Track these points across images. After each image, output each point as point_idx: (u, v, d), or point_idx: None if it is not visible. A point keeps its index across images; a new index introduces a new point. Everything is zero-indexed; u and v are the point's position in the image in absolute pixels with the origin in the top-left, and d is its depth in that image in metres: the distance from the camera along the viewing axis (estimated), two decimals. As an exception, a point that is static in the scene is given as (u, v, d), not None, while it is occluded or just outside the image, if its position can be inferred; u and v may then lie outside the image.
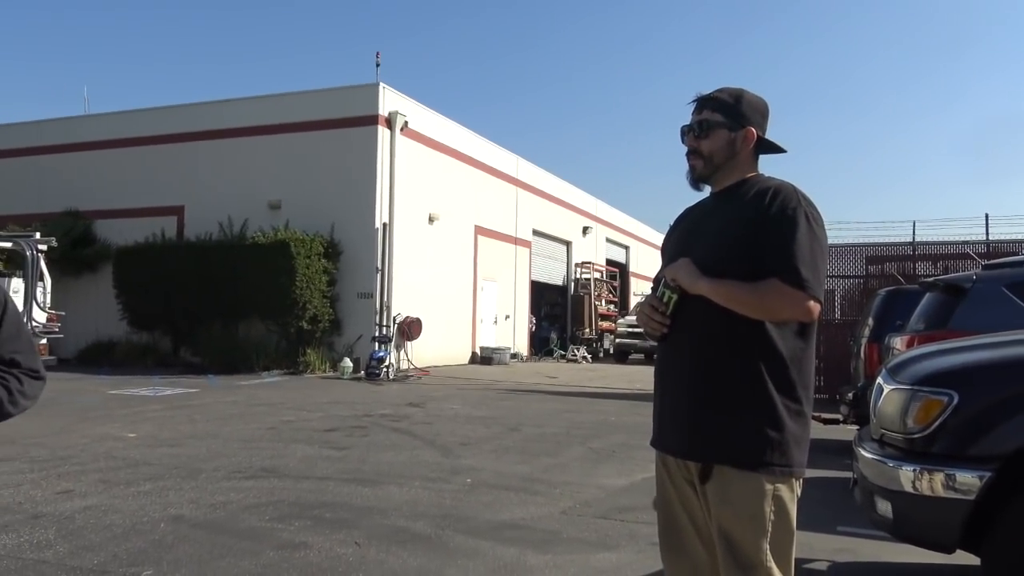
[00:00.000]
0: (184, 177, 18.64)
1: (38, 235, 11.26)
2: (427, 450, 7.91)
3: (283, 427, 9.17)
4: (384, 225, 16.99)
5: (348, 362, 15.79)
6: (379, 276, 16.86)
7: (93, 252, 18.66)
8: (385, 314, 16.78)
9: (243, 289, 16.22)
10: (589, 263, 28.75)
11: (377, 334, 16.35)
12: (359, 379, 15.29)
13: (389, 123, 17.39)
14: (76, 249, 18.34)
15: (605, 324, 28.13)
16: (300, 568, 4.26)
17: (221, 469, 6.77)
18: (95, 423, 9.26)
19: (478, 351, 20.83)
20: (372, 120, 17.22)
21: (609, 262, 32.22)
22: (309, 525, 5.08)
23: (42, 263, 10.92)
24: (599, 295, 28.57)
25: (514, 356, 22.05)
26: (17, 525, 4.98)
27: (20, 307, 10.49)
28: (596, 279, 28.84)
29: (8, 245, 10.95)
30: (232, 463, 7.04)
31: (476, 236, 21.20)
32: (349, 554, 4.52)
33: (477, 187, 21.23)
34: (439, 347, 18.60)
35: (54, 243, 11.53)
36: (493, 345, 21.10)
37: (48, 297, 11.00)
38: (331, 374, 16.00)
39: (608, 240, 32.63)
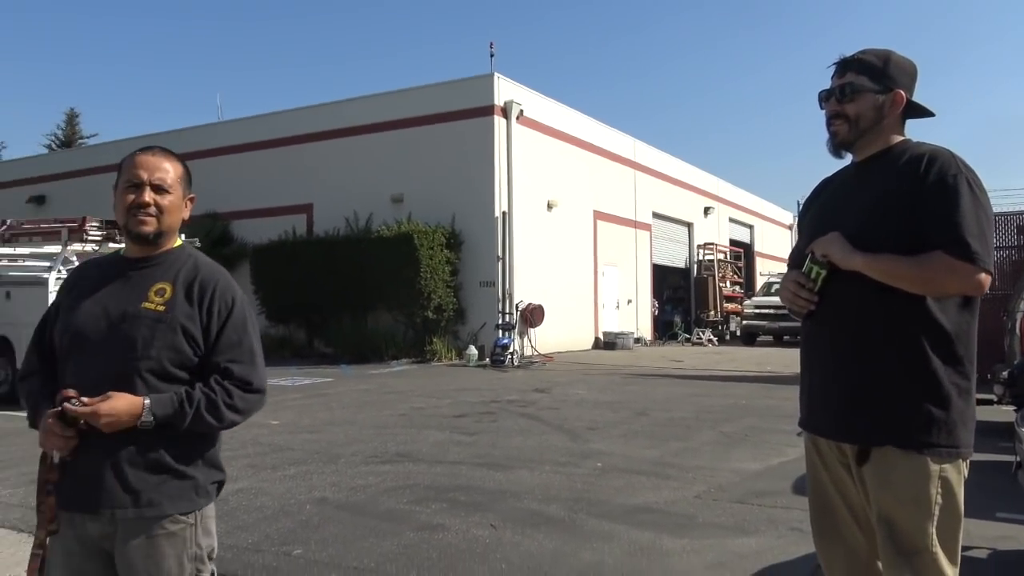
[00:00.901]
0: (311, 176, 19.41)
1: (183, 236, 11.93)
2: (555, 435, 7.94)
3: (414, 414, 9.42)
4: (503, 214, 17.14)
5: (473, 350, 16.05)
6: (500, 264, 17.03)
7: (232, 251, 19.72)
8: (508, 302, 16.95)
9: (370, 281, 16.76)
10: (712, 244, 28.07)
11: (500, 322, 16.54)
12: (484, 366, 15.52)
13: (505, 112, 17.51)
14: (216, 249, 19.38)
15: (731, 306, 27.42)
16: (439, 549, 4.36)
17: (359, 454, 7.02)
18: (241, 412, 9.78)
19: (601, 336, 20.74)
20: (488, 111, 17.38)
21: (733, 242, 31.36)
22: (445, 508, 5.19)
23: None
24: (723, 276, 27.86)
25: (637, 341, 21.83)
26: (178, 506, 5.32)
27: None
28: (720, 260, 28.13)
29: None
30: (368, 448, 7.28)
31: (595, 221, 21.07)
32: (485, 536, 4.59)
33: (594, 172, 21.08)
34: (562, 333, 18.64)
35: (198, 244, 12.20)
36: (616, 330, 20.96)
37: (195, 294, 11.67)
38: (457, 362, 16.32)
39: (731, 220, 31.74)
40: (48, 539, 2.03)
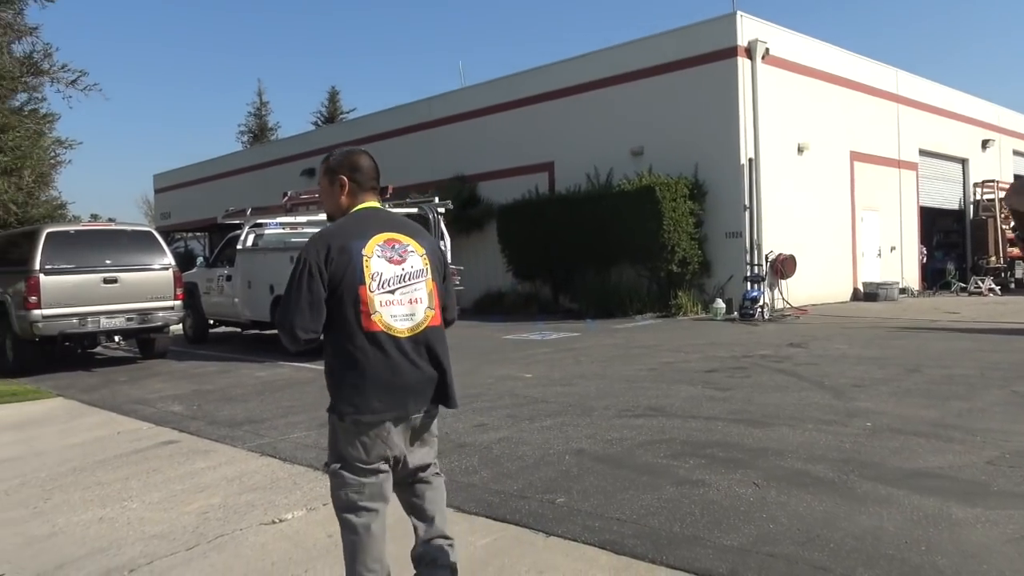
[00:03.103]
0: (551, 134, 19.69)
1: (436, 199, 12.68)
2: (816, 391, 7.50)
3: (663, 368, 9.33)
4: (750, 160, 16.34)
5: (720, 303, 15.59)
6: (747, 214, 16.30)
7: (479, 212, 20.61)
8: (756, 253, 16.22)
9: (613, 236, 16.76)
10: (992, 182, 24.89)
11: (749, 274, 15.88)
12: (732, 320, 15.03)
13: (749, 53, 16.57)
14: (465, 210, 20.39)
15: (1015, 251, 24.26)
16: (701, 505, 4.28)
17: (611, 408, 7.08)
18: (496, 365, 10.25)
19: (860, 287, 19.27)
20: (730, 52, 16.55)
21: (1018, 179, 27.60)
22: (703, 463, 5.09)
23: (442, 224, 12.29)
24: (1006, 217, 24.66)
25: (903, 291, 20.03)
26: (447, 452, 5.68)
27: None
28: (1002, 199, 24.90)
29: (414, 210, 12.45)
30: (620, 402, 7.32)
31: (852, 163, 19.47)
32: (749, 494, 4.44)
33: (850, 109, 19.43)
34: (816, 285, 17.54)
35: (450, 205, 12.91)
36: (878, 280, 19.36)
37: (449, 254, 12.34)
38: (703, 316, 15.94)
39: (1016, 153, 27.95)
40: None
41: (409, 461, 2.93)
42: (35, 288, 10.35)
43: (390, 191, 11.82)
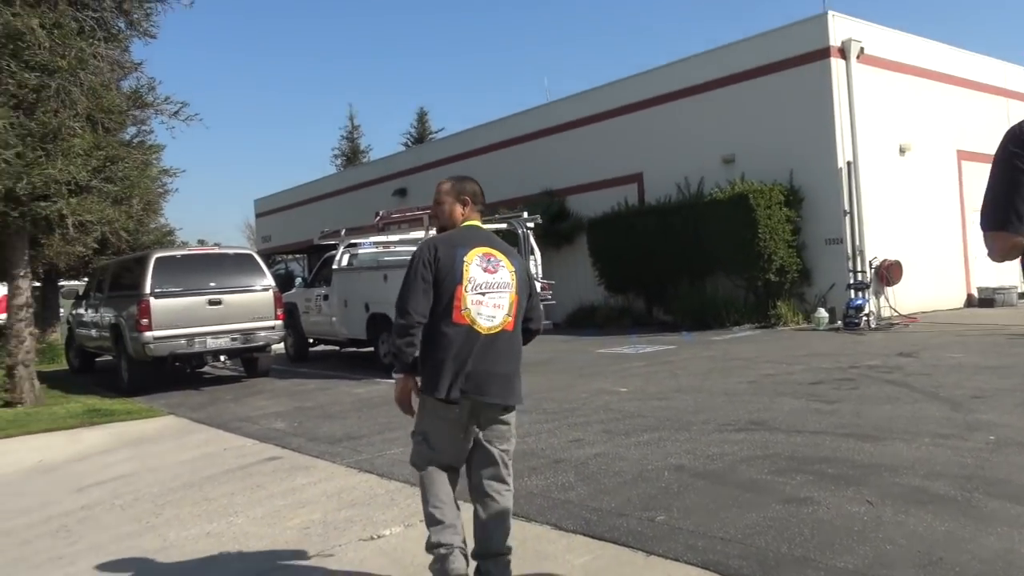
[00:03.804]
0: (640, 145, 19.46)
1: (525, 214, 12.68)
2: (931, 403, 7.09)
3: (764, 380, 9.02)
4: (848, 164, 15.73)
5: (823, 312, 15.00)
6: (847, 219, 15.68)
7: (568, 226, 20.51)
8: (859, 259, 15.57)
9: (706, 246, 16.40)
10: (1116, 176, 23.21)
11: (852, 281, 15.24)
12: (836, 330, 14.44)
13: (843, 53, 15.99)
14: (554, 225, 20.34)
15: None
16: (811, 524, 4.08)
17: (710, 422, 6.88)
18: (590, 379, 10.13)
19: (975, 292, 18.23)
20: (823, 53, 16.00)
21: None
22: (811, 480, 4.86)
23: (531, 239, 12.28)
24: None
25: (1023, 296, 18.86)
26: (543, 468, 5.62)
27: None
28: None
29: (503, 226, 12.49)
30: (720, 416, 7.10)
31: (959, 162, 18.50)
32: (862, 513, 4.20)
33: (956, 106, 18.49)
34: (925, 291, 16.69)
35: (539, 220, 12.89)
36: (994, 285, 18.26)
37: (539, 269, 12.32)
38: (804, 326, 15.39)
39: None
40: None
41: (484, 457, 3.42)
42: (146, 311, 10.85)
43: None
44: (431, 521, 3.39)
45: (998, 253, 2.33)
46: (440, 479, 3.44)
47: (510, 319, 3.45)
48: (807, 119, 16.16)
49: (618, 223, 18.58)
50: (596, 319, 18.86)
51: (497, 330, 3.39)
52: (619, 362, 11.80)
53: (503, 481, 3.45)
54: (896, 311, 15.47)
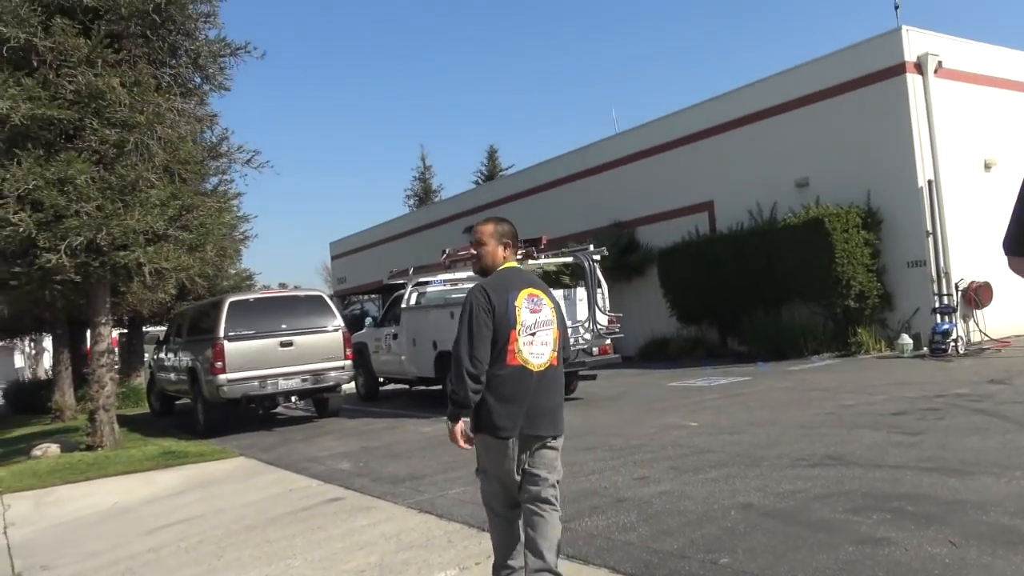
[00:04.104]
0: (710, 172, 19.14)
1: (591, 247, 12.55)
2: (1025, 434, 6.62)
3: (843, 412, 8.61)
4: (929, 182, 15.10)
5: (907, 339, 14.33)
6: (930, 240, 15.01)
7: (638, 257, 20.26)
8: (944, 281, 14.85)
9: (781, 273, 15.93)
10: None
11: (937, 305, 14.53)
12: (922, 356, 13.76)
13: (919, 68, 15.45)
14: (624, 257, 20.13)
15: None
16: (886, 567, 3.80)
17: (784, 457, 6.57)
18: (660, 413, 9.87)
19: (1073, 313, 17.19)
20: (898, 69, 15.49)
21: None
22: (889, 519, 4.55)
23: (598, 271, 12.14)
24: None
25: None
26: (605, 508, 5.44)
27: (584, 312, 11.75)
28: None
29: (569, 260, 12.39)
30: (794, 450, 6.79)
31: (1050, 176, 17.57)
32: (943, 554, 3.89)
33: (1043, 117, 17.62)
34: (1017, 313, 15.77)
35: (605, 252, 12.74)
36: (1094, 304, 17.19)
37: (607, 301, 12.14)
38: (888, 353, 14.72)
39: None
40: None
41: (535, 483, 3.54)
42: (220, 354, 11.12)
43: (544, 242, 11.83)
44: (499, 567, 3.63)
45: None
46: (510, 527, 3.62)
47: (555, 354, 3.66)
48: (884, 138, 15.63)
49: (689, 252, 18.25)
50: (669, 351, 18.49)
51: (546, 367, 3.59)
52: (691, 395, 11.48)
53: (550, 502, 3.55)
54: (987, 335, 14.66)
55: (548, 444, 3.59)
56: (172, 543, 5.91)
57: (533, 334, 3.57)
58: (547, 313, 3.65)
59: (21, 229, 8.86)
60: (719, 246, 17.55)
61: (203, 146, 11.54)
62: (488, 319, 3.48)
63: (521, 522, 3.58)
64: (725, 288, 17.06)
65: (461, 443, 3.62)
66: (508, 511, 3.62)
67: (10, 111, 9.04)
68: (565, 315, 4.08)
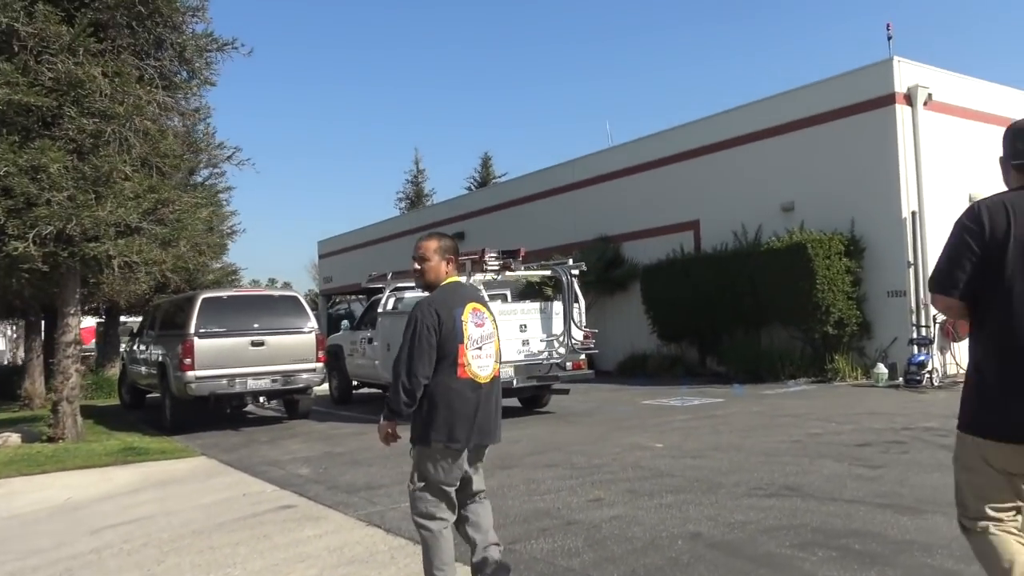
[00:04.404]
0: (697, 191, 19.15)
1: (571, 261, 12.50)
2: (984, 473, 6.57)
3: (809, 440, 8.57)
4: (913, 213, 15.14)
5: (882, 368, 14.33)
6: (911, 271, 15.04)
7: (622, 272, 20.23)
8: (923, 313, 14.88)
9: (762, 296, 15.94)
10: None
11: (915, 336, 14.55)
12: (896, 386, 13.76)
13: (909, 99, 15.50)
14: (608, 271, 20.11)
15: None
16: (822, 609, 3.73)
17: (741, 484, 6.52)
18: (628, 432, 9.82)
19: (1050, 350, 17.22)
20: (888, 100, 15.54)
21: None
22: (834, 556, 4.50)
23: (576, 286, 12.09)
24: None
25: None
26: (553, 530, 5.37)
27: (560, 327, 11.69)
28: None
29: (547, 273, 12.34)
30: (753, 478, 6.74)
31: (1035, 213, 17.63)
32: (883, 598, 3.84)
33: (1031, 154, 17.67)
34: (996, 347, 15.81)
35: (584, 267, 12.68)
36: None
37: (583, 316, 12.09)
38: (863, 381, 14.72)
39: None
40: None
41: (473, 483, 3.86)
42: (190, 350, 11.01)
43: (522, 254, 11.78)
44: None
45: (941, 313, 2.94)
46: (446, 543, 3.70)
47: (497, 365, 3.90)
48: (871, 167, 15.67)
49: (673, 270, 18.24)
50: (647, 368, 18.45)
51: (491, 377, 3.81)
52: (662, 415, 11.44)
53: (484, 491, 3.96)
54: (962, 368, 14.66)
55: (487, 449, 3.91)
56: (116, 544, 5.81)
57: (480, 348, 3.74)
58: (489, 327, 3.86)
59: (-11, 215, 8.76)
60: (703, 265, 17.55)
61: (184, 140, 11.44)
62: (432, 336, 3.59)
63: (461, 517, 3.84)
64: (707, 307, 17.04)
65: (386, 442, 3.84)
66: (450, 515, 3.75)
67: (-14, 96, 8.93)
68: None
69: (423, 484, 3.72)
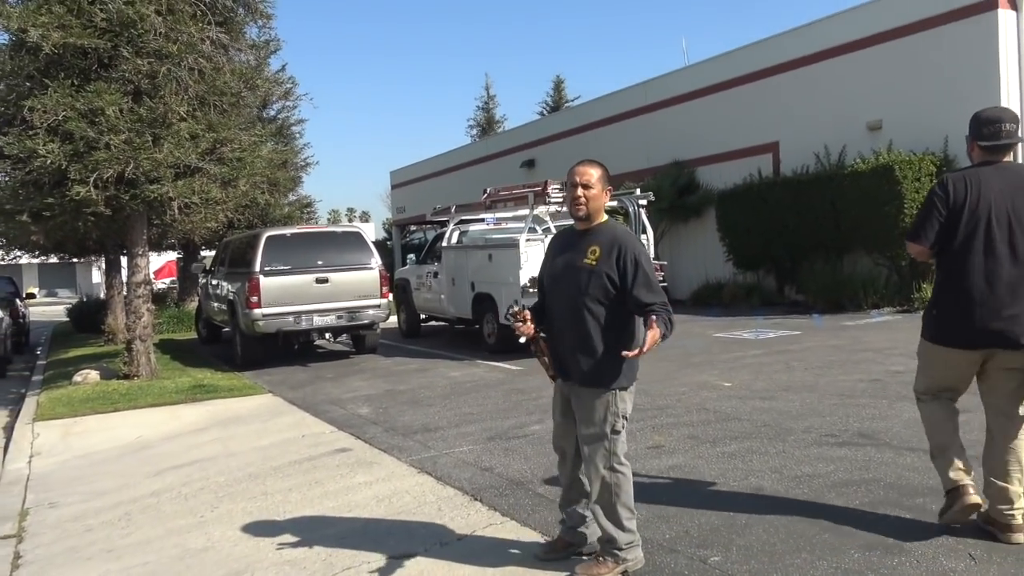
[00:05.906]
0: (776, 112, 18.13)
1: (638, 191, 12.00)
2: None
3: (890, 380, 8.06)
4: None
5: (974, 297, 13.45)
6: (1011, 192, 13.96)
7: (697, 199, 19.47)
8: (1021, 237, 13.84)
9: (846, 221, 15.10)
10: None
11: (1011, 262, 13.57)
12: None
13: (1013, 4, 14.14)
14: (682, 198, 19.42)
15: None
16: (889, 584, 3.42)
17: (812, 431, 6.16)
18: (696, 369, 9.48)
19: None
20: (989, 4, 14.18)
21: None
22: (907, 519, 4.15)
23: (644, 217, 11.61)
24: None
25: None
26: (606, 482, 5.14)
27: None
28: None
29: (614, 204, 11.89)
30: (825, 423, 6.36)
31: None
32: (960, 571, 3.49)
33: None
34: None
35: (652, 197, 12.18)
36: None
37: (652, 247, 11.65)
38: (954, 311, 13.87)
39: None
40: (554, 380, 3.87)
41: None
42: (256, 288, 11.09)
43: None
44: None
45: (914, 256, 3.96)
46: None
47: None
48: (968, 80, 14.44)
49: (749, 196, 17.43)
50: (722, 297, 17.86)
51: None
52: (734, 348, 11.03)
53: None
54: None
55: None
56: (176, 487, 5.88)
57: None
58: None
59: (51, 161, 8.82)
60: (781, 190, 16.70)
61: (241, 76, 11.26)
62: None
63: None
64: (785, 234, 16.31)
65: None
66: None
67: (41, 40, 8.91)
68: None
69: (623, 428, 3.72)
